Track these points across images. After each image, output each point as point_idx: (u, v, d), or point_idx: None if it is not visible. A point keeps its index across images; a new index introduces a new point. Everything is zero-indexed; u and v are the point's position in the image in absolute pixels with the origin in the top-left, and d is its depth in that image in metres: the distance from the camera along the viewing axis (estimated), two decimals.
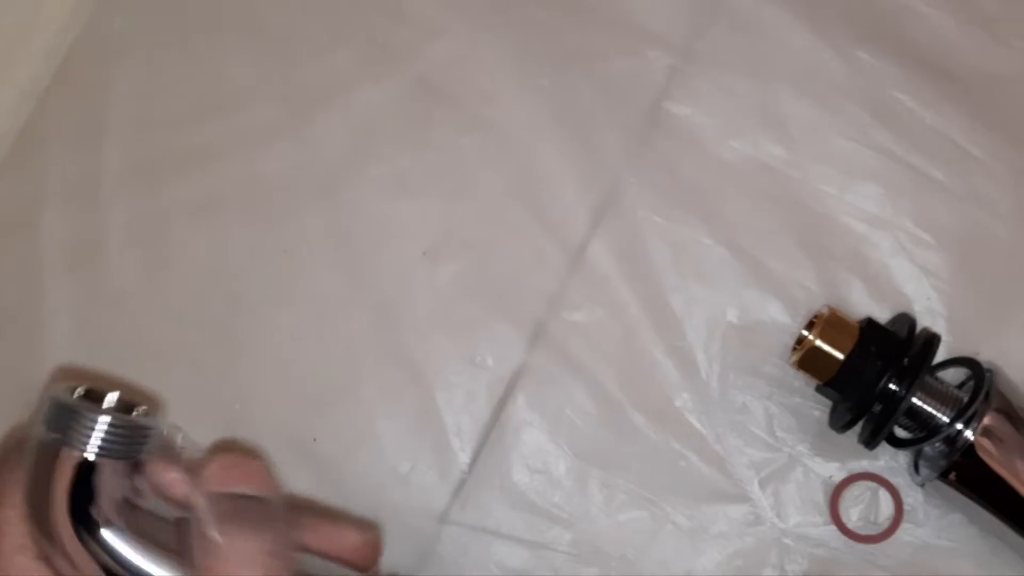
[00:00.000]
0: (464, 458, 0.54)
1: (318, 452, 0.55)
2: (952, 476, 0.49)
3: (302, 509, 0.42)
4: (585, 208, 0.56)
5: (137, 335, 0.57)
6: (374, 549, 0.42)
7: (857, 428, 0.51)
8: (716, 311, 0.54)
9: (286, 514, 0.38)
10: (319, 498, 0.54)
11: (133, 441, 0.36)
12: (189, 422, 0.55)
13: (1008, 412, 0.48)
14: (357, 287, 0.56)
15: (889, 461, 0.52)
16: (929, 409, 0.49)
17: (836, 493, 0.52)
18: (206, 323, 0.56)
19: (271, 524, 0.35)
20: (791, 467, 0.53)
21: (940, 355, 0.51)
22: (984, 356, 0.51)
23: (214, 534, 0.34)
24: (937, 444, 0.49)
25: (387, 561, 0.52)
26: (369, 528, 0.43)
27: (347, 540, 0.41)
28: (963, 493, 0.49)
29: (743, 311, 0.54)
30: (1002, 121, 0.54)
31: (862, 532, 0.52)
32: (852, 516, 0.52)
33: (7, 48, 0.59)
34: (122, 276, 0.57)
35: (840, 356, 0.49)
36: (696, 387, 0.54)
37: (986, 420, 0.48)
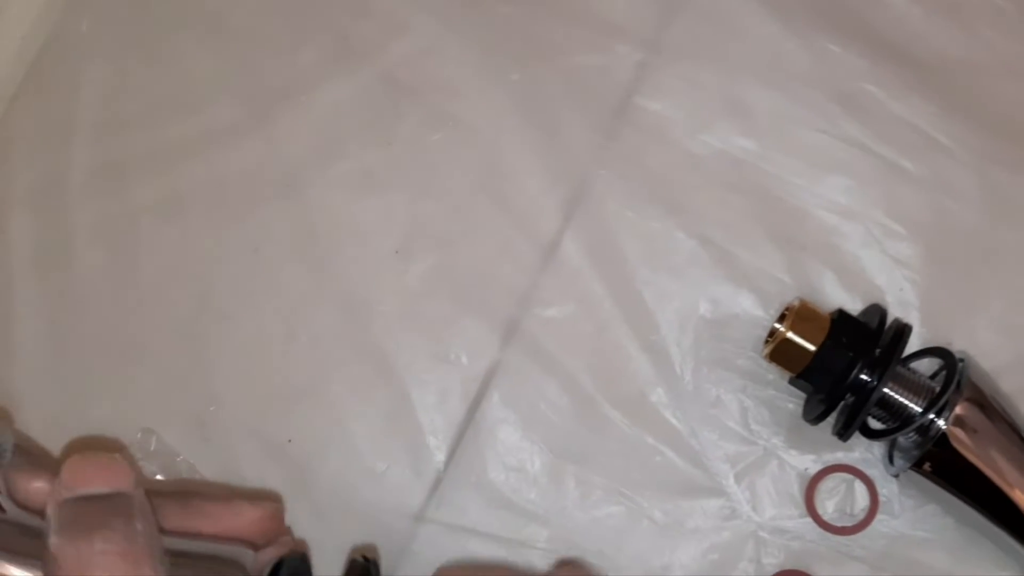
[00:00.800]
0: (439, 456, 0.54)
1: (292, 453, 0.54)
2: (926, 466, 0.49)
3: (191, 495, 0.41)
4: (555, 203, 0.55)
5: (106, 336, 0.56)
6: (274, 519, 0.41)
7: (831, 420, 0.51)
8: (688, 305, 0.54)
9: (154, 503, 0.37)
10: (294, 498, 0.53)
11: None
12: (161, 425, 0.55)
13: (980, 402, 0.48)
14: (327, 285, 0.56)
15: (864, 452, 0.52)
16: (901, 399, 0.49)
17: (811, 485, 0.52)
18: (175, 323, 0.56)
19: (117, 520, 0.34)
20: (766, 460, 0.53)
21: (912, 345, 0.51)
22: (956, 346, 0.51)
23: (51, 542, 0.34)
24: (910, 434, 0.49)
25: None
26: (266, 499, 0.42)
27: (243, 517, 0.40)
28: (937, 483, 0.49)
29: (715, 304, 0.54)
30: (970, 109, 0.54)
31: (838, 524, 0.52)
32: (828, 508, 0.52)
33: None
34: (90, 277, 0.57)
35: (812, 348, 0.49)
36: (670, 381, 0.54)
37: (958, 410, 0.48)
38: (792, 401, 0.53)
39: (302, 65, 0.58)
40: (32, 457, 0.38)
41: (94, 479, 0.36)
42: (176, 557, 0.38)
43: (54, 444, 0.54)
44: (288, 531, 0.43)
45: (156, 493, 0.43)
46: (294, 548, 0.41)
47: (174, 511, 0.41)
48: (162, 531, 0.38)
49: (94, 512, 0.34)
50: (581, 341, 0.54)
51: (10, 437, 0.38)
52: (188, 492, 0.42)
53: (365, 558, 0.40)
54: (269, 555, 0.40)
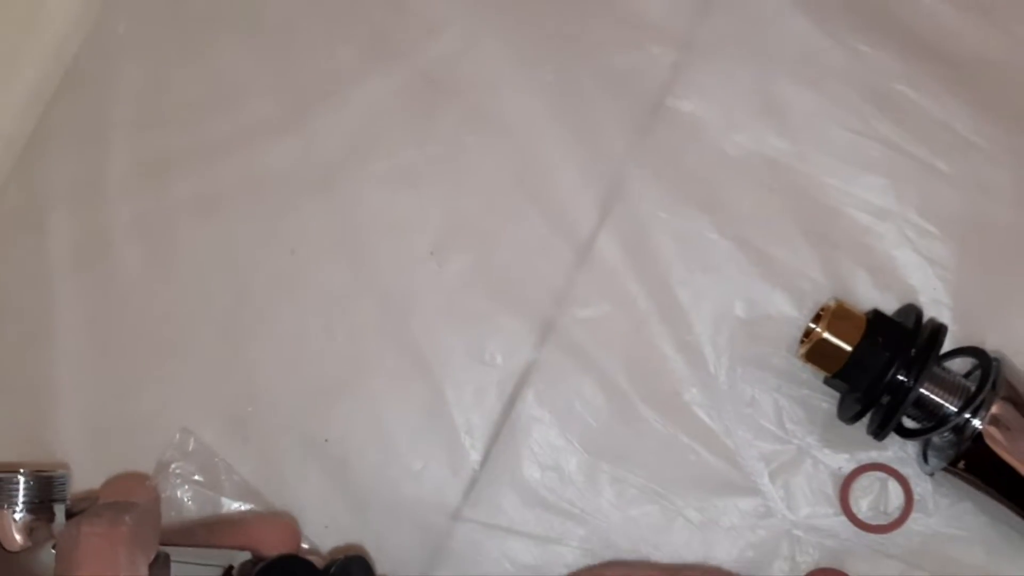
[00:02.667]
0: (475, 455, 0.55)
1: (329, 451, 0.55)
2: (961, 465, 0.49)
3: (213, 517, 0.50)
4: (591, 202, 0.56)
5: (145, 333, 0.57)
6: (286, 534, 0.47)
7: (866, 419, 0.51)
8: (723, 304, 0.54)
9: (180, 525, 0.45)
10: (331, 496, 0.54)
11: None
12: (200, 424, 0.55)
13: (1015, 400, 0.49)
14: (363, 283, 0.56)
15: (898, 451, 0.53)
16: (937, 399, 0.49)
17: (846, 484, 0.52)
18: (213, 321, 0.57)
19: (108, 511, 0.38)
20: (800, 459, 0.53)
21: (947, 345, 0.51)
22: (990, 345, 0.51)
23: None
24: (945, 434, 0.50)
25: (400, 557, 0.53)
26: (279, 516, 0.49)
27: (257, 531, 0.46)
28: (972, 482, 0.49)
29: (750, 304, 0.54)
30: (1004, 108, 0.54)
31: (872, 522, 0.52)
32: (862, 507, 0.52)
33: (15, 52, 0.59)
34: (129, 274, 0.57)
35: (847, 348, 0.49)
36: (705, 381, 0.54)
37: (994, 409, 0.48)
38: (827, 400, 0.53)
39: (339, 63, 0.59)
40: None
41: (117, 493, 0.42)
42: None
43: (92, 443, 0.55)
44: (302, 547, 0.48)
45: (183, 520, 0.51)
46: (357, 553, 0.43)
47: (196, 529, 0.47)
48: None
49: (97, 508, 0.39)
50: (616, 340, 0.55)
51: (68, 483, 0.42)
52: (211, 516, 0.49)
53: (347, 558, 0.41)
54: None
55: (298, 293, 0.57)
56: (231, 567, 0.41)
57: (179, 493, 0.53)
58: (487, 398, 0.55)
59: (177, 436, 0.54)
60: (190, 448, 0.54)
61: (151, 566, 0.39)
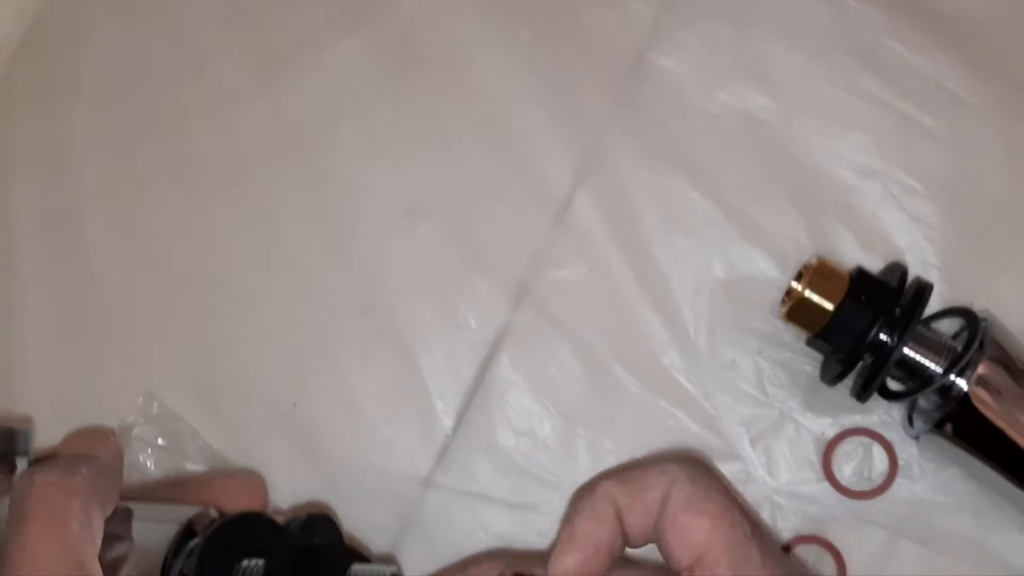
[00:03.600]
0: (448, 421, 0.53)
1: (298, 418, 0.53)
2: (947, 428, 0.47)
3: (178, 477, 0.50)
4: (568, 163, 0.54)
5: (111, 301, 0.55)
6: (253, 493, 0.45)
7: (849, 382, 0.49)
8: (703, 266, 0.53)
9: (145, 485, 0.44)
10: (301, 464, 0.53)
11: None
12: (166, 390, 0.54)
13: (1004, 361, 0.47)
14: (334, 248, 0.55)
15: (883, 415, 0.51)
16: (921, 359, 0.47)
17: (828, 449, 0.51)
18: (181, 288, 0.55)
19: (63, 462, 0.37)
20: (782, 424, 0.51)
21: (933, 306, 0.49)
22: (979, 306, 0.49)
23: None
24: (931, 395, 0.48)
25: (370, 525, 0.52)
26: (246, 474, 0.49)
27: (222, 489, 0.44)
28: (959, 445, 0.48)
29: (730, 266, 0.53)
30: (993, 65, 0.53)
31: (856, 488, 0.50)
32: (845, 472, 0.51)
33: None
34: (95, 241, 0.56)
35: (830, 307, 0.47)
36: (684, 344, 0.52)
37: (981, 369, 0.46)
38: (809, 363, 0.52)
39: (310, 25, 0.57)
40: None
41: (78, 447, 0.40)
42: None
43: (58, 414, 0.54)
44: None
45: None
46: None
47: (160, 488, 0.46)
48: None
49: (53, 459, 0.38)
50: (593, 303, 0.53)
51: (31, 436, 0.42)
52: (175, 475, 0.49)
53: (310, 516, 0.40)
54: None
55: (267, 258, 0.55)
56: (191, 522, 0.39)
57: (141, 458, 0.51)
58: (460, 363, 0.53)
59: (140, 399, 0.53)
60: (154, 412, 0.52)
61: (110, 521, 0.37)
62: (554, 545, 0.37)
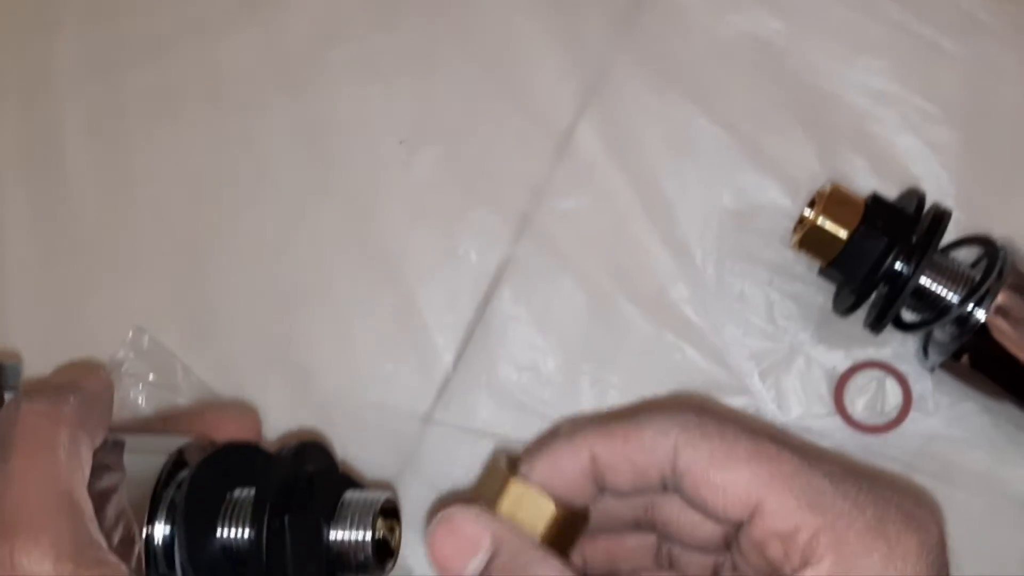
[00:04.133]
0: (448, 356, 0.51)
1: (294, 355, 0.52)
2: (964, 359, 0.46)
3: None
4: (571, 89, 0.52)
5: (97, 234, 0.54)
6: (246, 425, 0.44)
7: (862, 313, 0.48)
8: (712, 195, 0.51)
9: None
10: (298, 402, 0.51)
11: None
12: (157, 325, 0.52)
13: None
14: (328, 179, 0.53)
15: (897, 348, 0.50)
16: (938, 289, 0.46)
17: (840, 383, 0.49)
18: (170, 222, 0.53)
19: (50, 390, 0.36)
20: (793, 357, 0.50)
21: (951, 235, 0.48)
22: (998, 234, 0.48)
23: None
24: (947, 326, 0.46)
25: (369, 463, 0.50)
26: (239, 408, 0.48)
27: (215, 421, 0.43)
28: (976, 378, 0.46)
29: (740, 194, 0.51)
30: None
31: (868, 423, 0.49)
32: (857, 406, 0.49)
33: None
34: (81, 173, 0.54)
35: (843, 234, 0.46)
36: (691, 276, 0.51)
37: (1000, 299, 0.45)
38: (821, 294, 0.50)
39: None
40: None
41: (65, 379, 0.38)
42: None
43: (46, 350, 0.52)
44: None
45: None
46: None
47: (152, 421, 0.46)
48: None
49: (42, 388, 0.36)
50: (597, 235, 0.51)
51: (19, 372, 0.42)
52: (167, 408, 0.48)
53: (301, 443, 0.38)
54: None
55: (258, 191, 0.53)
56: (181, 452, 0.38)
57: (132, 394, 0.50)
58: (460, 297, 0.52)
59: (130, 334, 0.51)
60: (144, 347, 0.51)
61: (101, 452, 0.36)
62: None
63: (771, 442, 0.32)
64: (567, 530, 0.33)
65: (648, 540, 0.37)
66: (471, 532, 0.32)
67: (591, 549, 0.38)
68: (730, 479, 0.31)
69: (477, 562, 0.31)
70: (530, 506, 0.33)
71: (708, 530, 0.34)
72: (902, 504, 0.31)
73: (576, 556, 0.38)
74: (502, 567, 0.31)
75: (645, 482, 0.33)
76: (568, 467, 0.33)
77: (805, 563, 0.30)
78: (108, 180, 0.54)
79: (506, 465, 0.34)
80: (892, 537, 0.30)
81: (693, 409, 0.33)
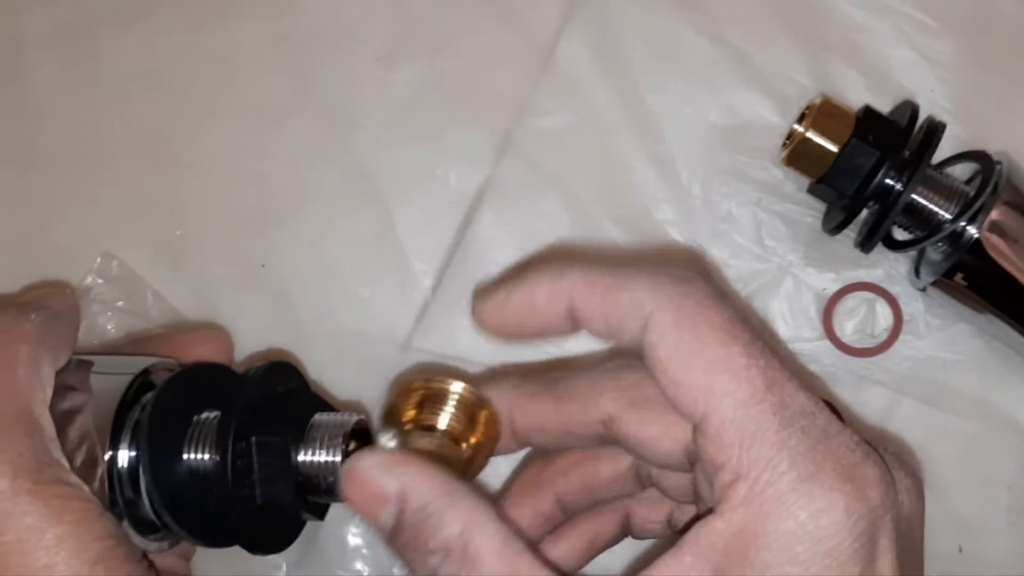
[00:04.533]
0: (427, 281, 0.50)
1: (268, 279, 0.50)
2: (957, 277, 0.45)
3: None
4: (552, 1, 0.50)
5: (63, 153, 0.51)
6: (217, 348, 0.41)
7: (852, 233, 0.46)
8: (698, 111, 0.49)
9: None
10: (272, 328, 0.50)
11: None
12: (126, 249, 0.51)
13: (1021, 206, 0.44)
14: (303, 96, 0.51)
15: (888, 269, 0.48)
16: (930, 205, 0.44)
17: (830, 305, 0.48)
18: (139, 139, 0.51)
19: (11, 306, 0.35)
20: (781, 278, 0.49)
21: (947, 151, 0.46)
22: (994, 150, 0.46)
23: None
24: (940, 244, 0.45)
25: (346, 390, 0.49)
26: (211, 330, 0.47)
27: (185, 344, 0.41)
28: (969, 296, 0.45)
29: (728, 111, 0.49)
30: None
31: (858, 346, 0.48)
32: (847, 329, 0.48)
33: None
34: (45, 90, 0.52)
35: (834, 148, 0.44)
36: (677, 196, 0.49)
37: (994, 214, 0.43)
38: (811, 215, 0.48)
39: None
40: None
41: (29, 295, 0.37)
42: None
43: (11, 274, 0.50)
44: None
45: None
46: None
47: (120, 344, 0.44)
48: None
49: (1, 306, 0.35)
50: (580, 153, 0.50)
51: None
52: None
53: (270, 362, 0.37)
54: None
55: (231, 108, 0.51)
56: (147, 371, 0.36)
57: (101, 320, 0.48)
58: (440, 219, 0.50)
59: (98, 260, 0.49)
60: (113, 272, 0.49)
61: (64, 372, 0.35)
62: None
63: (745, 351, 0.29)
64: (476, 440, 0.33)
65: (622, 465, 0.36)
66: (375, 485, 0.31)
67: (565, 485, 0.37)
68: (684, 380, 0.29)
69: (388, 513, 0.30)
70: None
71: (667, 445, 0.32)
72: (850, 461, 0.28)
73: (549, 496, 0.37)
74: (413, 515, 0.30)
75: (618, 342, 0.31)
76: (545, 307, 0.32)
77: (713, 508, 0.28)
78: (73, 97, 0.52)
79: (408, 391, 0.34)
80: (817, 499, 0.27)
81: (691, 272, 0.31)
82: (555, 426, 0.34)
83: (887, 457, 0.30)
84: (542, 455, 0.38)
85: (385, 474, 0.31)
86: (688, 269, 0.31)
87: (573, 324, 0.32)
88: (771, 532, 0.27)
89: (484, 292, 0.33)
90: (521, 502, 0.37)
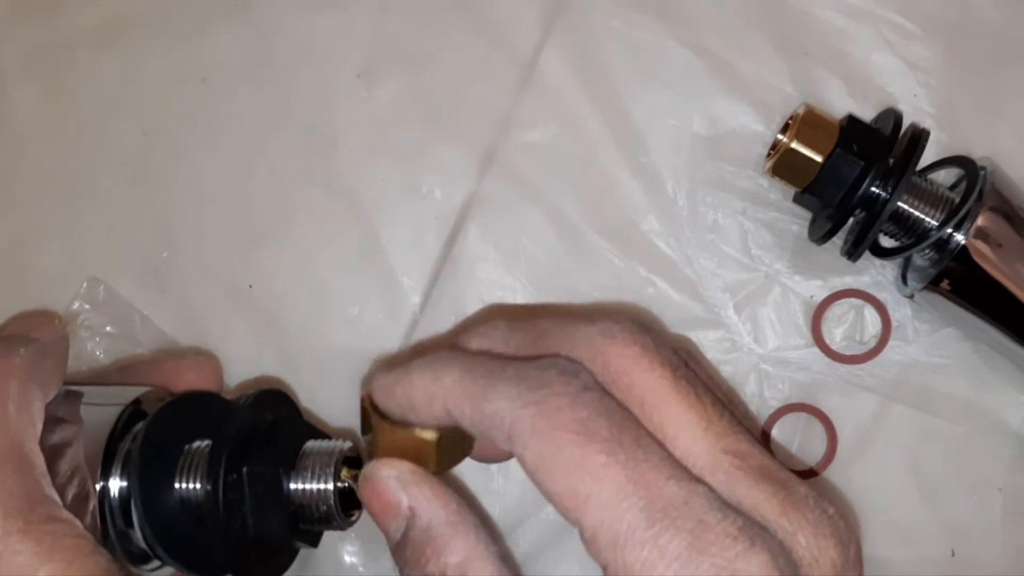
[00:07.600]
0: (415, 297, 0.50)
1: (256, 299, 0.50)
2: (944, 284, 0.45)
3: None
4: (534, 14, 0.50)
5: (45, 178, 0.51)
6: (206, 374, 0.42)
7: (839, 241, 0.46)
8: (682, 122, 0.49)
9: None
10: (261, 347, 0.50)
11: None
12: (112, 275, 0.50)
13: (1006, 212, 0.44)
14: (284, 115, 0.51)
15: (875, 276, 0.48)
16: (916, 212, 0.44)
17: (818, 313, 0.48)
18: (121, 162, 0.51)
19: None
20: (768, 287, 0.49)
21: (930, 156, 0.46)
22: (978, 155, 0.46)
23: None
24: (927, 251, 0.45)
25: (335, 408, 0.49)
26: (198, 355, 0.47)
27: (173, 370, 0.41)
28: (956, 302, 0.45)
29: (712, 120, 0.49)
30: None
31: (847, 352, 0.48)
32: (836, 336, 0.48)
33: None
34: (25, 114, 0.51)
35: (818, 158, 0.44)
36: (663, 207, 0.49)
37: (980, 221, 0.43)
38: (797, 222, 0.48)
39: None
40: None
41: (18, 331, 0.37)
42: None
43: None
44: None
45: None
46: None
47: (110, 372, 0.44)
48: None
49: None
50: (565, 166, 0.50)
51: None
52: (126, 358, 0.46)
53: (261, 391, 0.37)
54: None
55: (212, 128, 0.51)
56: (138, 401, 0.36)
57: (90, 346, 0.48)
58: (426, 235, 0.50)
59: (84, 285, 0.49)
60: (100, 297, 0.49)
61: (55, 404, 0.35)
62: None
63: (603, 448, 0.27)
64: (454, 445, 0.33)
65: None
66: (390, 497, 0.31)
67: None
68: (552, 488, 0.28)
69: (396, 526, 0.31)
70: (407, 443, 0.32)
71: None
72: (732, 553, 0.26)
73: None
74: (418, 535, 0.30)
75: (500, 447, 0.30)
76: (423, 408, 0.31)
77: None
78: (54, 122, 0.51)
79: (370, 405, 0.33)
80: None
81: (561, 361, 0.30)
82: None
83: (802, 527, 0.28)
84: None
85: (399, 488, 0.31)
86: (570, 361, 0.30)
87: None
88: None
89: (378, 371, 0.33)
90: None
